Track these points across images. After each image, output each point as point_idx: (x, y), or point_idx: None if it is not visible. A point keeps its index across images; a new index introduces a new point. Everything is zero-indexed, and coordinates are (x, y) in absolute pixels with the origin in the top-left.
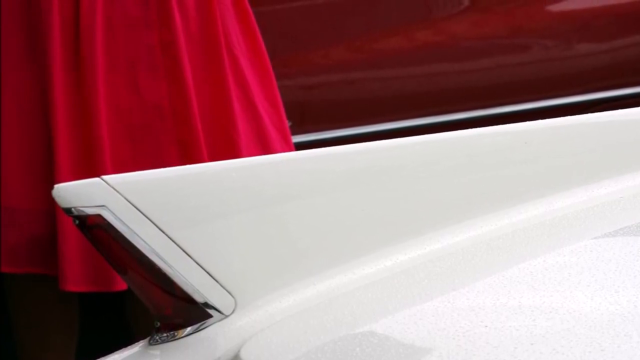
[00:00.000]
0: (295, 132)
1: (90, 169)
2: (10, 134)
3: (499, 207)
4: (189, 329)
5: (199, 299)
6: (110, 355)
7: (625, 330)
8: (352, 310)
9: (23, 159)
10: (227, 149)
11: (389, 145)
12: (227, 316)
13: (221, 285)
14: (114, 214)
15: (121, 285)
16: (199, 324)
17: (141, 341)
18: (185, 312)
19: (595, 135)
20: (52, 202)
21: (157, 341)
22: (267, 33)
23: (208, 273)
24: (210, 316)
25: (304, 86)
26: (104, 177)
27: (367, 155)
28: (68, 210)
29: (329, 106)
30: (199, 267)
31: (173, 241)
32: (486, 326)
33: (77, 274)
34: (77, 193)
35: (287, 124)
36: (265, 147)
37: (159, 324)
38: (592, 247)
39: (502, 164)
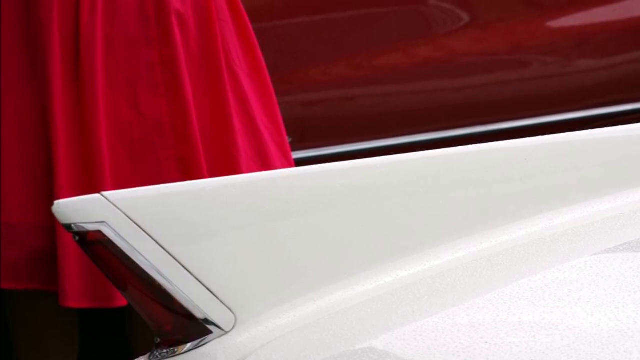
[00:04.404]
0: (295, 148)
1: (90, 185)
2: (10, 150)
3: (499, 223)
4: (189, 345)
5: (198, 315)
6: None
7: (625, 346)
8: (352, 327)
9: (23, 175)
10: (227, 165)
11: (389, 161)
12: (227, 332)
13: (221, 302)
14: (114, 230)
15: (121, 301)
16: (199, 340)
17: (141, 357)
18: (185, 328)
19: (595, 151)
20: (52, 218)
21: (157, 357)
22: (268, 49)
23: (208, 289)
24: (210, 332)
25: (304, 102)
26: (104, 193)
27: (367, 171)
28: (68, 226)
29: (329, 122)
30: (199, 283)
31: (173, 257)
32: (486, 342)
33: (77, 290)
34: (77, 209)
35: (287, 140)
36: (265, 163)
37: (159, 340)
38: (592, 263)
39: (502, 180)
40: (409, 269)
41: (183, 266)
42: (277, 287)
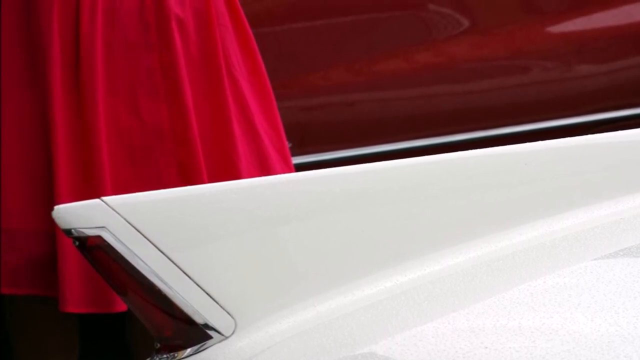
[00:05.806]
0: (295, 154)
1: (90, 190)
2: (10, 155)
3: (499, 228)
4: (189, 350)
5: (199, 320)
6: None
7: (625, 351)
8: (352, 332)
9: (23, 180)
10: (227, 171)
11: (388, 166)
12: (227, 337)
13: (221, 307)
14: (114, 235)
15: (121, 306)
16: (199, 345)
17: None
18: (185, 333)
19: (595, 156)
20: (52, 223)
21: None
22: (267, 54)
23: (208, 294)
24: (210, 337)
25: (304, 107)
26: (104, 198)
27: (367, 176)
28: (68, 232)
29: (329, 127)
30: (199, 288)
31: (173, 262)
32: (486, 347)
33: (77, 295)
34: (77, 214)
35: (287, 145)
36: (265, 169)
37: (159, 345)
38: (592, 268)
39: (502, 185)
40: (409, 274)
41: (183, 271)
42: (277, 292)
